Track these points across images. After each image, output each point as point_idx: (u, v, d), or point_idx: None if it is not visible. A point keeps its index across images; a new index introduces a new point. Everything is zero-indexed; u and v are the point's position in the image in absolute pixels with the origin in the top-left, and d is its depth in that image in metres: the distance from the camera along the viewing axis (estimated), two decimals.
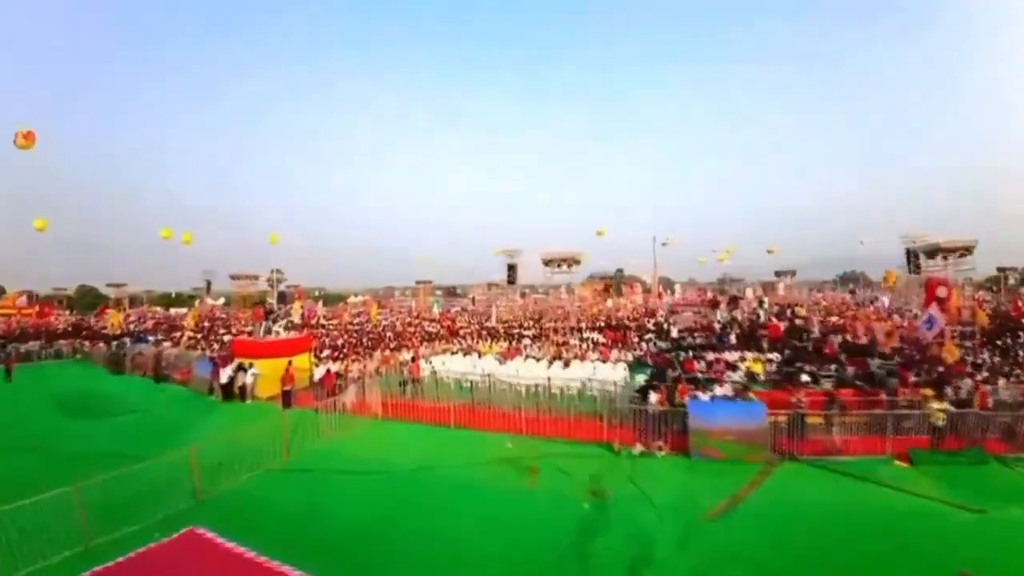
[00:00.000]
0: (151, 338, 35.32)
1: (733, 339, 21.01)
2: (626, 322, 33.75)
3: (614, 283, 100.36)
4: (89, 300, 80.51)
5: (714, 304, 25.78)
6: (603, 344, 25.11)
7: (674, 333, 22.99)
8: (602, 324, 31.39)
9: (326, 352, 23.23)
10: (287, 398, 17.18)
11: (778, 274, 54.55)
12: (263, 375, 18.28)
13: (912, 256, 45.11)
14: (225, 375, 18.76)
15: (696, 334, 21.60)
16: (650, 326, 30.90)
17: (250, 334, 21.95)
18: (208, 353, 26.12)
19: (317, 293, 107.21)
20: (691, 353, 20.29)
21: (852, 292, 78.44)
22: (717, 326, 22.80)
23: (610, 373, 18.76)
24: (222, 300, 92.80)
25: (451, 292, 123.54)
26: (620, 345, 26.14)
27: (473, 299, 76.05)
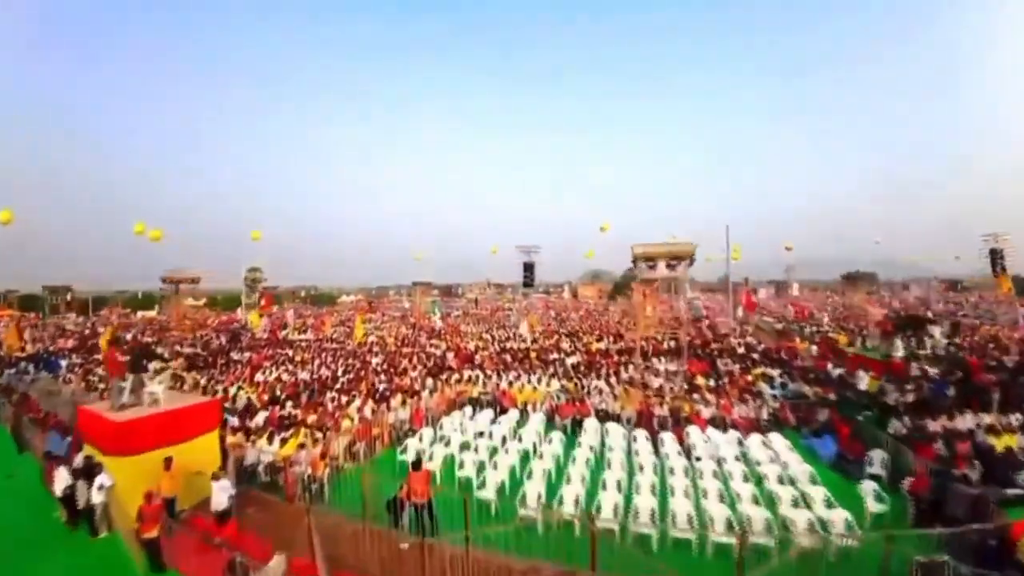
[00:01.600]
0: (63, 363, 25.55)
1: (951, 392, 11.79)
2: (692, 341, 24.52)
3: (624, 284, 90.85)
4: (40, 302, 69.96)
5: (885, 329, 16.50)
6: (704, 386, 15.75)
7: (863, 384, 13.59)
8: (671, 344, 22.08)
9: (264, 413, 13.39)
10: (153, 551, 7.70)
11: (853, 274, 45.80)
12: (119, 486, 8.76)
13: (998, 256, 36.44)
14: (60, 483, 9.21)
15: (908, 388, 12.21)
16: (740, 349, 21.68)
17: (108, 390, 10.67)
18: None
19: (304, 293, 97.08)
20: (904, 420, 11.08)
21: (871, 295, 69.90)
22: (919, 370, 13.44)
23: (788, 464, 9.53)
24: (203, 301, 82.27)
25: (448, 292, 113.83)
26: (716, 383, 16.92)
27: (476, 301, 66.46)
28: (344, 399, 14.74)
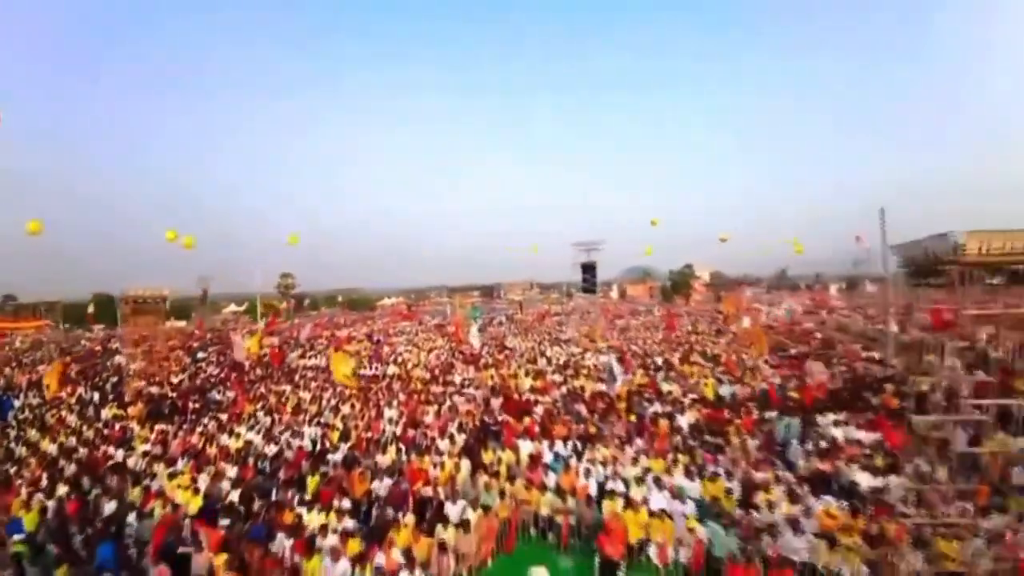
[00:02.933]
0: (16, 403, 20.18)
1: None
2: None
3: (680, 282, 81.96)
4: (82, 310, 67.06)
5: None
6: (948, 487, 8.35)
7: None
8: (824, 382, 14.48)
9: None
10: None
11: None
12: None
13: None
14: None
15: None
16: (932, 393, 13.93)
17: None
18: None
19: (341, 297, 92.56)
20: None
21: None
22: None
23: None
24: (245, 306, 77.95)
25: (489, 293, 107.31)
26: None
27: (520, 306, 59.11)
28: (314, 519, 8.14)
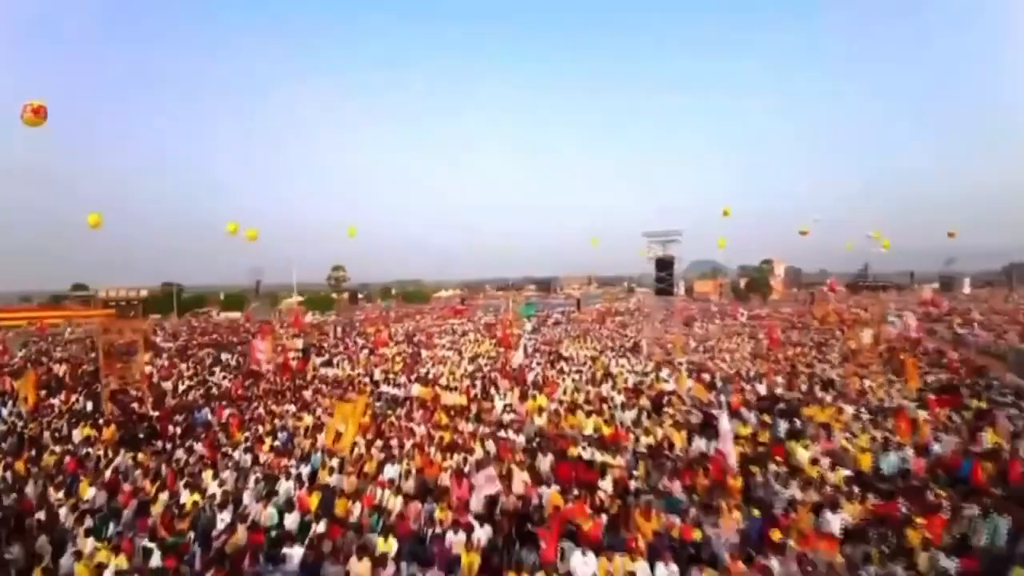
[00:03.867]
0: (3, 411, 18.01)
1: None
2: None
3: (759, 278, 74.17)
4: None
5: None
6: None
7: None
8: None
9: None
10: None
11: None
12: None
13: None
14: None
15: None
16: None
17: None
18: None
19: (395, 291, 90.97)
20: None
21: None
22: None
23: None
24: (299, 299, 77.70)
25: (547, 287, 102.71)
26: None
27: (578, 303, 53.82)
28: None
